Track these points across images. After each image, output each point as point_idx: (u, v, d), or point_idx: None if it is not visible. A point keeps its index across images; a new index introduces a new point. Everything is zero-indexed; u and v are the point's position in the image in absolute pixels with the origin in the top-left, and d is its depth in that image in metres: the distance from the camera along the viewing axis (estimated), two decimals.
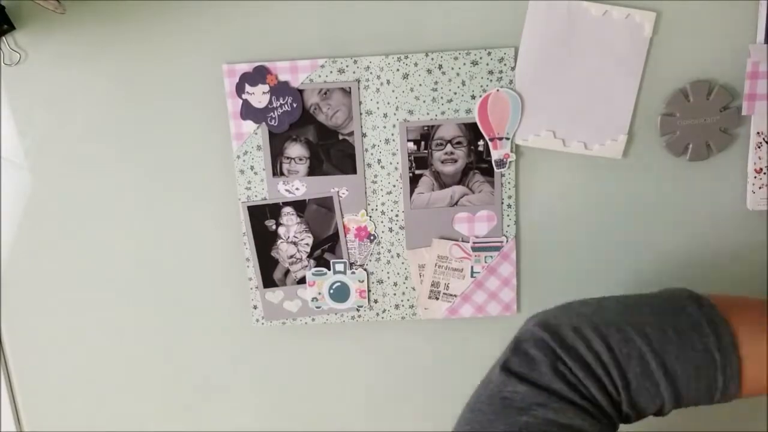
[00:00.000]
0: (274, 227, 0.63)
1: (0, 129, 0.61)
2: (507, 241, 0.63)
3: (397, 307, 0.65)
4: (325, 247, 0.64)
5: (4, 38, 0.58)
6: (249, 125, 0.61)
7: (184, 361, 0.68)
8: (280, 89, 0.60)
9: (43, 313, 0.66)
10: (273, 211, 0.63)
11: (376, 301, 0.65)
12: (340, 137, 0.61)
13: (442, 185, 0.62)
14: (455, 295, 0.65)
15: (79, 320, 0.66)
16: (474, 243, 0.63)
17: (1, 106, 0.61)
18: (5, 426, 0.68)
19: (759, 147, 0.60)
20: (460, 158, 0.61)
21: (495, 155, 0.61)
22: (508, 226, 0.63)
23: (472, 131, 0.61)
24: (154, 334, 0.67)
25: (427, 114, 0.60)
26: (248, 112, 0.60)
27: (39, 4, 0.55)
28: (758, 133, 0.60)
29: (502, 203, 0.62)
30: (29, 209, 0.64)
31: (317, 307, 0.65)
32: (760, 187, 0.61)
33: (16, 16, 0.58)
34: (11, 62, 0.60)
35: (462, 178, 0.62)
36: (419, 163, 0.62)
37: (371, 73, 0.60)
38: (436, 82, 0.60)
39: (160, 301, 0.66)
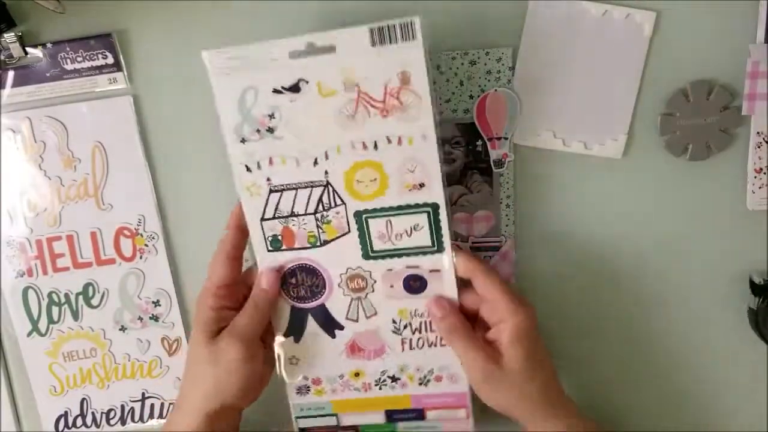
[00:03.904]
0: None
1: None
2: (506, 241, 0.63)
3: None
4: None
5: (4, 36, 0.58)
6: None
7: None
8: None
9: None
10: None
11: None
12: None
13: None
14: None
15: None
16: (472, 243, 0.63)
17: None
18: (5, 426, 0.68)
19: (759, 147, 0.60)
20: (458, 158, 0.61)
21: (493, 155, 0.61)
22: (507, 226, 0.63)
23: (470, 131, 0.60)
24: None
25: None
26: None
27: (38, 3, 0.55)
28: (758, 133, 0.60)
29: (501, 203, 0.62)
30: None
31: None
32: (760, 187, 0.61)
33: (15, 15, 0.58)
34: (11, 61, 0.60)
35: (460, 178, 0.61)
36: None
37: None
38: (433, 82, 0.59)
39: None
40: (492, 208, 0.62)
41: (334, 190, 0.54)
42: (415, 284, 0.56)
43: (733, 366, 0.66)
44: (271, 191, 0.54)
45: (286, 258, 0.56)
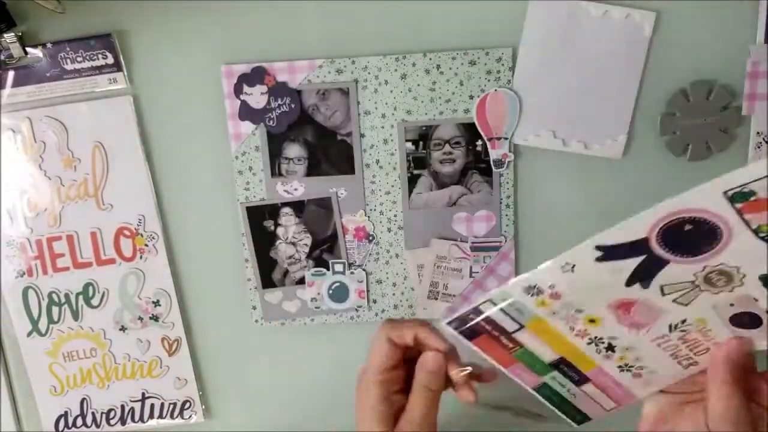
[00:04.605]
0: (272, 228, 0.63)
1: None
2: (506, 241, 0.63)
3: (396, 307, 0.65)
4: (324, 248, 0.64)
5: (4, 36, 0.58)
6: (247, 126, 0.61)
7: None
8: (278, 90, 0.60)
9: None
10: (271, 211, 0.63)
11: (375, 302, 0.65)
12: (339, 138, 0.61)
13: (441, 185, 0.62)
14: (454, 295, 0.65)
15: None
16: (473, 243, 0.63)
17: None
18: (5, 426, 0.68)
19: (759, 147, 0.60)
20: (459, 158, 0.61)
21: (493, 155, 0.61)
22: (507, 226, 0.63)
23: (470, 131, 0.60)
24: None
25: (426, 114, 0.60)
26: (246, 112, 0.61)
27: (38, 3, 0.55)
28: (758, 133, 0.60)
29: (501, 203, 0.62)
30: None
31: (316, 308, 0.65)
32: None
33: (15, 15, 0.58)
34: (11, 61, 0.60)
35: (460, 178, 0.62)
36: (417, 163, 0.61)
37: (369, 73, 0.60)
38: (434, 82, 0.60)
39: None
40: (492, 208, 0.62)
41: None
42: (744, 321, 0.49)
43: None
44: None
45: (724, 212, 0.44)
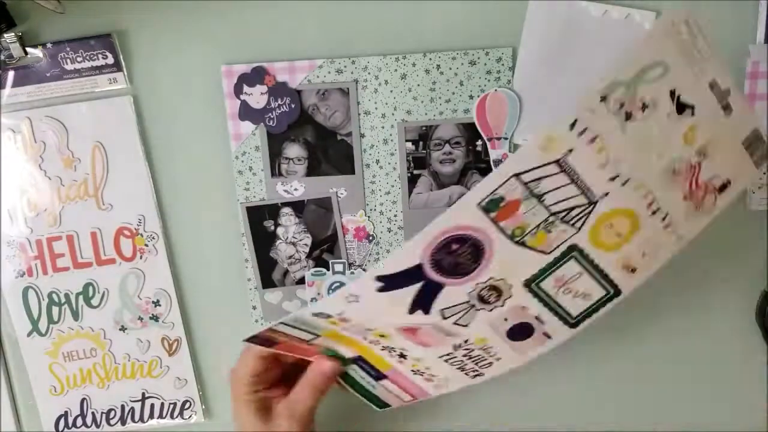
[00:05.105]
0: (272, 228, 0.63)
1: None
2: None
3: None
4: (324, 248, 0.64)
5: (4, 36, 0.58)
6: (247, 126, 0.61)
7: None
8: (278, 90, 0.60)
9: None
10: (271, 211, 0.63)
11: None
12: (339, 138, 0.61)
13: (441, 185, 0.62)
14: None
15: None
16: None
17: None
18: (5, 426, 0.68)
19: None
20: (459, 158, 0.61)
21: (493, 155, 0.61)
22: None
23: (470, 131, 0.61)
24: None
25: (425, 114, 0.60)
26: (246, 112, 0.61)
27: (38, 3, 0.55)
28: None
29: None
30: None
31: None
32: (759, 187, 0.61)
33: (15, 15, 0.58)
34: (11, 61, 0.60)
35: (460, 178, 0.62)
36: (417, 163, 0.62)
37: (369, 73, 0.60)
38: (434, 82, 0.60)
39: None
40: None
41: (589, 213, 0.47)
42: (518, 332, 0.52)
43: (733, 366, 0.66)
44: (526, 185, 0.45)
45: (482, 224, 0.45)
